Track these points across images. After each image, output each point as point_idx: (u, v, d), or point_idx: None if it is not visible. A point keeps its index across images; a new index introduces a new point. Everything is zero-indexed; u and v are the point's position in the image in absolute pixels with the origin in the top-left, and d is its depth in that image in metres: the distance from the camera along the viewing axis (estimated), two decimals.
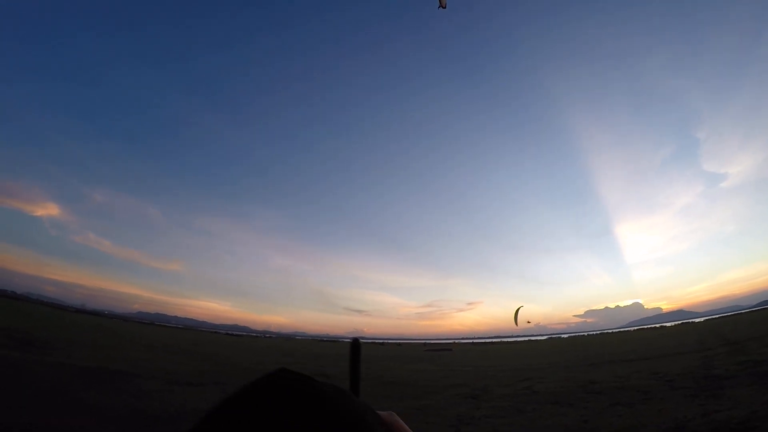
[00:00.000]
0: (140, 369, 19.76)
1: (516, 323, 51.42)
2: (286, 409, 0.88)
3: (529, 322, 63.97)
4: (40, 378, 13.23)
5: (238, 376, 21.25)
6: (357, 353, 0.97)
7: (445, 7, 21.05)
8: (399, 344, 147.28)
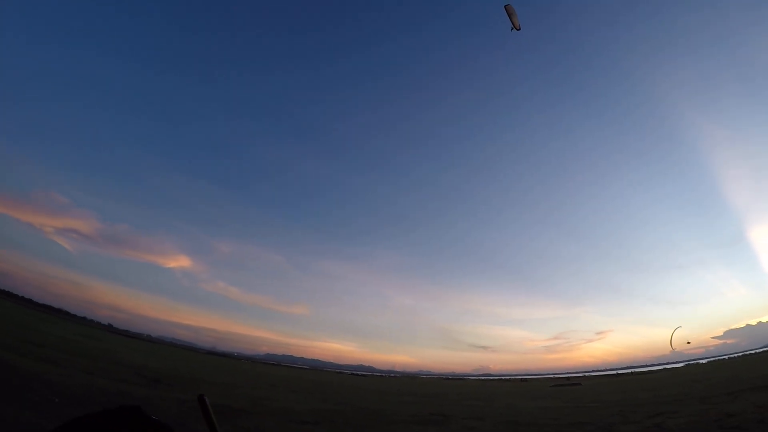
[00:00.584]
0: (260, 407, 20.47)
1: (671, 346, 47.84)
2: None
3: (689, 342, 58.79)
4: (162, 412, 13.89)
5: (355, 415, 21.30)
6: (205, 408, 0.98)
7: (519, 29, 20.63)
8: (524, 380, 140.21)
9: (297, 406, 22.70)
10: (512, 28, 20.73)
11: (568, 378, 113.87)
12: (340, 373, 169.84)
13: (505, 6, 20.55)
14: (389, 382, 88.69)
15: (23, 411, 9.71)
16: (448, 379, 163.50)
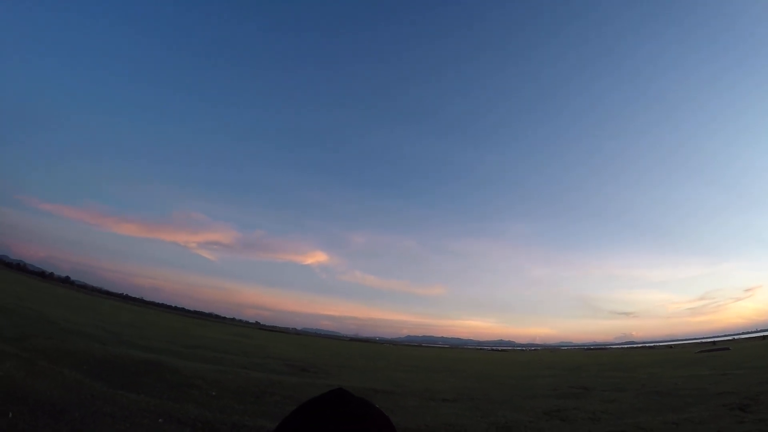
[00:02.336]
0: (401, 387, 20.79)
1: None
2: (335, 422, 1.03)
3: None
4: (309, 396, 14.54)
5: (494, 391, 21.08)
6: None
7: None
8: (670, 346, 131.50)
9: (437, 385, 22.80)
10: None
11: (714, 342, 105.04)
12: (480, 349, 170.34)
13: None
14: (529, 355, 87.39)
15: (187, 406, 10.43)
16: (590, 349, 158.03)
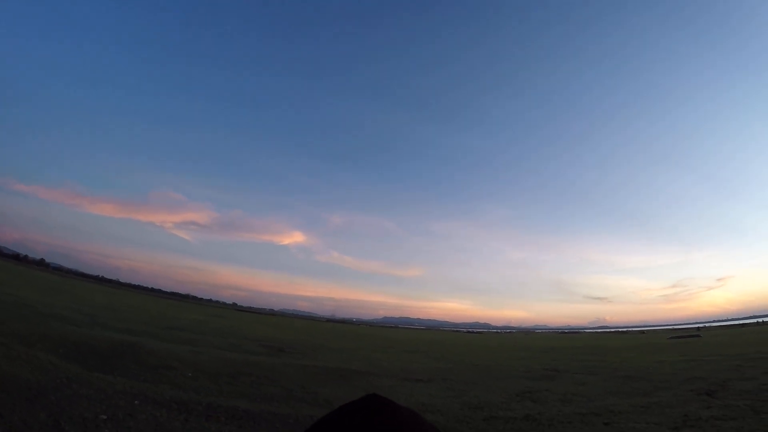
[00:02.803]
0: (377, 368, 21.31)
1: None
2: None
3: None
4: (286, 378, 14.92)
5: (467, 372, 21.62)
6: None
7: None
8: (642, 332, 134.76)
9: (412, 366, 23.39)
10: None
11: (686, 330, 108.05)
12: (456, 331, 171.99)
13: None
14: (503, 338, 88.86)
15: (163, 387, 10.63)
16: (564, 333, 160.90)
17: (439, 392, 14.76)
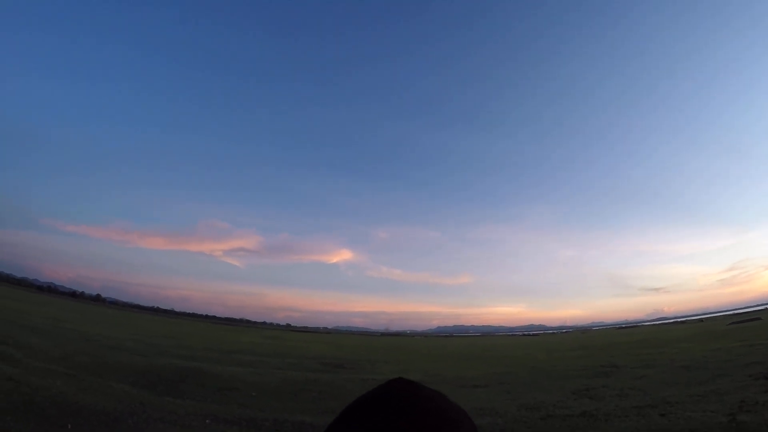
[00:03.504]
0: (433, 377, 21.50)
1: None
2: (398, 414, 0.99)
3: None
4: (345, 391, 15.34)
5: (524, 375, 21.49)
6: None
7: None
8: (701, 320, 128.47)
9: (468, 372, 23.36)
10: None
11: (746, 314, 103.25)
12: (511, 335, 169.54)
13: None
14: (560, 338, 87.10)
15: (231, 407, 11.04)
16: (621, 327, 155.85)
17: (497, 396, 14.85)
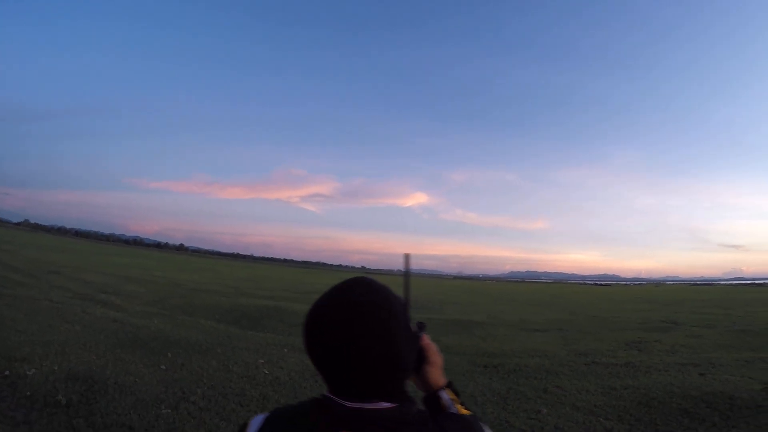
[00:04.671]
0: (495, 319, 22.38)
1: None
2: (351, 292, 1.18)
3: None
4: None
5: (584, 323, 21.94)
6: (408, 264, 1.50)
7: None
8: None
9: (531, 317, 24.04)
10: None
11: None
12: (582, 284, 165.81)
13: None
14: (630, 290, 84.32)
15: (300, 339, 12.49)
16: (695, 284, 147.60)
17: (551, 340, 15.52)
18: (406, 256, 1.44)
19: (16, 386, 6.10)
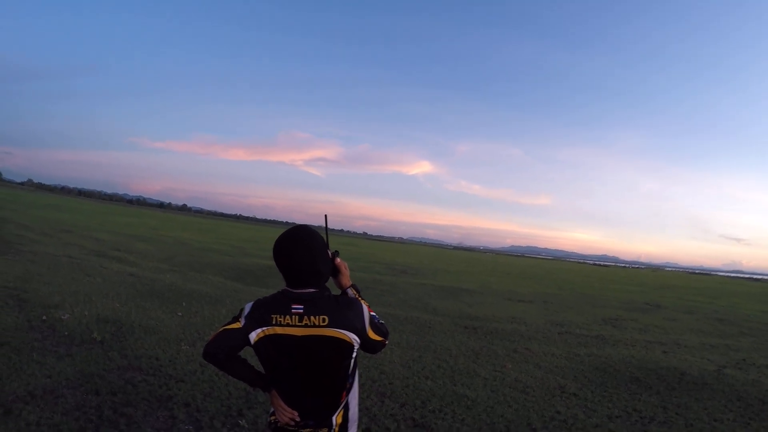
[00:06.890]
0: (485, 288, 23.63)
1: None
2: (296, 231, 2.19)
3: None
4: (404, 291, 18.11)
5: (570, 298, 22.80)
6: (326, 222, 2.57)
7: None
8: None
9: (521, 289, 25.18)
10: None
11: None
12: (581, 263, 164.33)
13: None
14: (626, 272, 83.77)
15: None
16: (693, 273, 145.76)
17: (534, 311, 16.74)
18: (325, 216, 2.56)
19: (55, 328, 7.20)
